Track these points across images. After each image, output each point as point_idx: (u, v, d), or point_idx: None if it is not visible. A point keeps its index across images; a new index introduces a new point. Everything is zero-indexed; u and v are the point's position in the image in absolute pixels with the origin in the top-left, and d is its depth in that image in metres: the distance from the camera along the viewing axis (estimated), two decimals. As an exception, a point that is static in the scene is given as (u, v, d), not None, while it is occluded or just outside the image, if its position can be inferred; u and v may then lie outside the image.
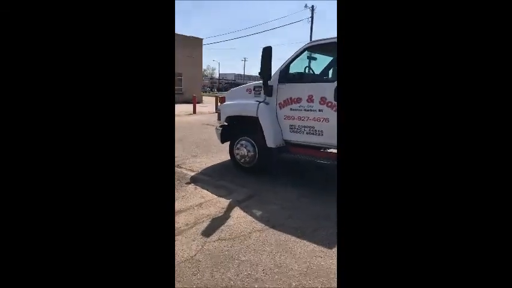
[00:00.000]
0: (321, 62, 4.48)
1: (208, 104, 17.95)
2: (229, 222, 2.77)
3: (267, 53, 3.68)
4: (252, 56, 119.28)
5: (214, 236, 2.48)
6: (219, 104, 4.78)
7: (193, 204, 3.15)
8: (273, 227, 2.68)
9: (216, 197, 3.39)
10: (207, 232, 2.56)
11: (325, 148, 4.10)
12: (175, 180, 3.91)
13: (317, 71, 4.46)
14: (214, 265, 2.08)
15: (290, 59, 3.93)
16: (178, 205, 3.11)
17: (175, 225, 2.65)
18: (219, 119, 4.59)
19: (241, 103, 4.27)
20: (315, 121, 3.68)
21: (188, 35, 20.95)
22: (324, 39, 3.73)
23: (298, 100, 3.79)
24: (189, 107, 14.14)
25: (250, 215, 2.92)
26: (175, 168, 4.39)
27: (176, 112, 9.66)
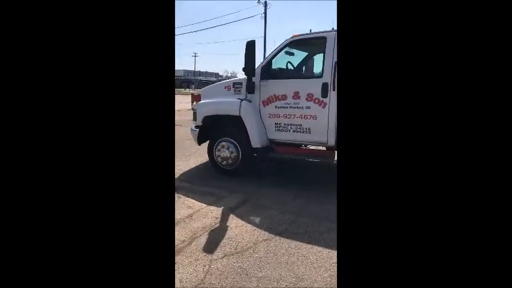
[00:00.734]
0: (299, 58, 4.38)
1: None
2: (229, 233, 2.52)
3: (250, 47, 3.46)
4: (201, 51, 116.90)
5: (219, 253, 2.22)
6: (194, 102, 4.40)
7: (182, 217, 2.82)
8: (279, 234, 2.50)
9: (205, 205, 3.09)
10: (209, 248, 2.28)
11: (306, 145, 4.04)
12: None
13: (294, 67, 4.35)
14: (232, 287, 1.83)
15: (272, 54, 3.76)
16: (165, 219, 2.76)
17: (170, 244, 2.33)
18: (194, 119, 4.24)
19: (220, 101, 3.98)
20: (302, 118, 3.57)
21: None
22: (307, 34, 3.63)
23: (283, 97, 3.64)
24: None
25: (249, 223, 2.71)
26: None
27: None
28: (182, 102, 13.72)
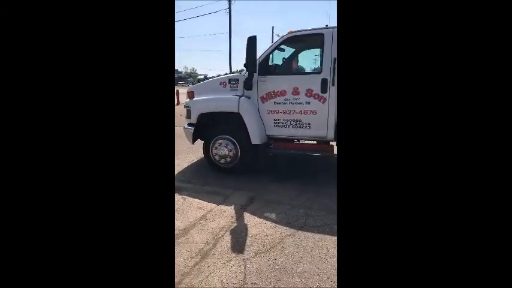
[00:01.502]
0: (288, 54, 4.42)
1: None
2: (251, 231, 2.49)
3: (252, 43, 3.41)
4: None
5: (249, 251, 2.19)
6: (186, 99, 4.23)
7: (196, 218, 2.73)
8: (300, 229, 2.53)
9: (215, 205, 3.02)
10: (237, 248, 2.24)
11: (298, 140, 4.12)
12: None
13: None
14: (276, 285, 1.82)
15: (269, 50, 3.75)
16: (179, 221, 2.65)
17: (195, 245, 2.25)
18: (188, 116, 4.09)
19: (217, 98, 3.88)
20: (301, 114, 3.62)
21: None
22: (304, 31, 3.67)
23: (283, 93, 3.66)
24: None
25: (267, 220, 2.70)
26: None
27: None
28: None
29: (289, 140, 3.96)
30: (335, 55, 3.34)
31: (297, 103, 3.61)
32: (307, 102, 3.57)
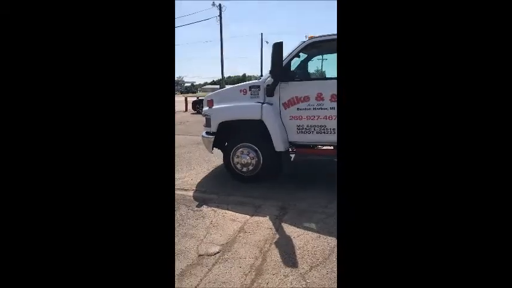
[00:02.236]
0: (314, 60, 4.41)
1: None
2: (297, 243, 2.40)
3: (278, 49, 3.35)
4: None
5: (304, 265, 2.10)
6: (205, 107, 4.12)
7: (234, 231, 2.61)
8: (346, 238, 2.45)
9: (248, 216, 2.91)
10: (289, 261, 2.14)
11: (323, 145, 4.06)
12: (182, 204, 3.19)
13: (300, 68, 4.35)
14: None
15: (291, 57, 3.70)
16: (218, 234, 2.52)
17: (245, 261, 2.13)
18: (207, 125, 3.97)
19: (238, 106, 3.79)
20: (326, 119, 3.58)
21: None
22: (324, 36, 3.65)
23: (306, 99, 3.61)
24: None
25: (308, 230, 2.62)
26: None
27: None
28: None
29: (311, 146, 3.90)
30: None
31: (322, 108, 3.57)
32: (332, 108, 3.53)
